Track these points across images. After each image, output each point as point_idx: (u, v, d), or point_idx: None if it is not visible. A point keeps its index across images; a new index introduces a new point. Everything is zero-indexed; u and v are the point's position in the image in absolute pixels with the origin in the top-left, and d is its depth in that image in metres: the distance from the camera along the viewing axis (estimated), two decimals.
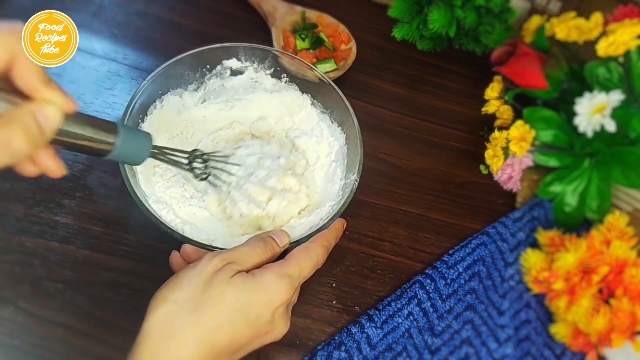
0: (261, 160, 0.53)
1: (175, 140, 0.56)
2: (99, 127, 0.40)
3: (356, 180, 0.51)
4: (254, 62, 0.60)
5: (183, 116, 0.57)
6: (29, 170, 0.40)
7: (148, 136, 0.44)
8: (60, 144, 0.39)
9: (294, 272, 0.41)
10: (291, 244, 0.45)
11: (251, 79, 0.60)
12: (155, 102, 0.55)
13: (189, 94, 0.58)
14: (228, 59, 0.59)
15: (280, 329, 0.42)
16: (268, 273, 0.40)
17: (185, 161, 0.48)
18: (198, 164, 0.49)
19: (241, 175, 0.52)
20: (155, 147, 0.45)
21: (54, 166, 0.40)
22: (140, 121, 0.53)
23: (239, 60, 0.59)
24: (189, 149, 0.49)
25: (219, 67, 0.59)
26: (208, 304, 0.37)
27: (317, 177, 0.57)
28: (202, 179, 0.50)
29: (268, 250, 0.43)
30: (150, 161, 0.53)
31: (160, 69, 0.53)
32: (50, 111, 0.37)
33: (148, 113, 0.54)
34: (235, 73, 0.60)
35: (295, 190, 0.53)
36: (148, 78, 0.53)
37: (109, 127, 0.41)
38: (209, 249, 0.44)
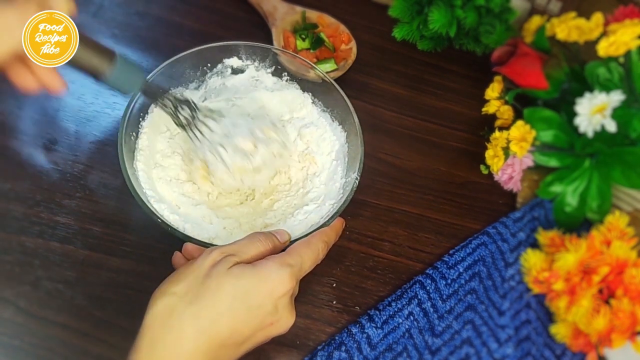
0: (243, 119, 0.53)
1: (176, 138, 0.56)
2: (99, 49, 0.43)
3: (357, 179, 0.51)
4: (254, 61, 0.60)
5: None
6: (29, 82, 0.40)
7: (142, 72, 0.48)
8: None
9: (295, 262, 0.41)
10: (291, 241, 0.45)
11: (252, 77, 0.60)
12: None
13: (190, 92, 0.58)
14: (228, 58, 0.59)
15: (285, 320, 0.41)
16: (269, 262, 0.40)
17: (171, 105, 0.49)
18: (184, 112, 0.50)
19: (223, 131, 0.51)
20: (147, 83, 0.48)
21: (53, 79, 0.41)
22: (141, 119, 0.53)
23: (240, 58, 0.59)
24: (192, 147, 0.48)
25: (219, 66, 0.59)
26: (206, 295, 0.37)
27: (319, 160, 0.57)
28: (181, 126, 0.50)
29: (268, 242, 0.43)
30: (151, 160, 0.53)
31: (160, 67, 0.53)
32: (59, 2, 0.39)
33: (149, 111, 0.54)
34: (235, 71, 0.60)
35: (278, 141, 0.53)
36: (148, 76, 0.52)
37: (108, 52, 0.44)
38: (210, 246, 0.44)
